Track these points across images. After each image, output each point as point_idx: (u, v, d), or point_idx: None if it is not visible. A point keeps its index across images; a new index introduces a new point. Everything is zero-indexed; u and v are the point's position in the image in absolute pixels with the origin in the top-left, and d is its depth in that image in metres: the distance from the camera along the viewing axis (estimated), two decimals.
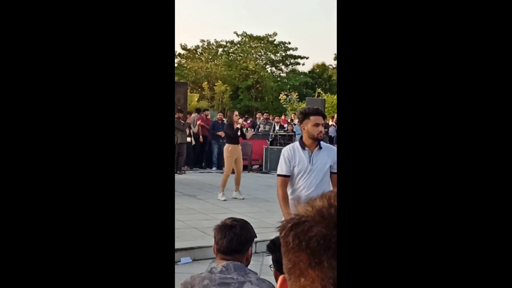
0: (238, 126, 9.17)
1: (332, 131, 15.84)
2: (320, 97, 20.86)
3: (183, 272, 4.81)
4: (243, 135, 9.63)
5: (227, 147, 9.16)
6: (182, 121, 12.58)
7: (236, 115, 9.34)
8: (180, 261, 5.58)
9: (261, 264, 5.63)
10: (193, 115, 13.77)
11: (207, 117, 14.67)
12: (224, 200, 8.76)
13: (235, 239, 2.40)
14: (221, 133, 13.06)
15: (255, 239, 6.34)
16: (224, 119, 14.18)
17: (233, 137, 9.08)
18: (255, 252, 6.09)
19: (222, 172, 13.05)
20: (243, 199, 9.10)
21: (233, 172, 9.27)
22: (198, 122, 14.15)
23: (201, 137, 13.74)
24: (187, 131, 12.74)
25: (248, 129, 10.74)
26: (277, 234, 0.79)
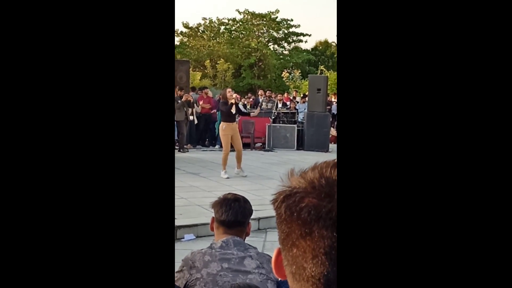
0: (232, 101, 9.02)
1: (335, 109, 15.80)
2: (323, 74, 20.76)
3: (187, 248, 4.83)
4: (241, 112, 9.52)
5: (221, 125, 9.08)
6: (178, 101, 12.55)
7: (229, 91, 9.22)
8: (183, 238, 5.61)
9: (264, 240, 5.67)
10: (191, 93, 13.64)
11: (207, 95, 14.59)
12: (227, 178, 8.75)
13: (240, 211, 2.41)
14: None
15: (259, 216, 6.40)
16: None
17: (228, 115, 8.95)
18: (258, 229, 6.13)
19: None
20: (245, 176, 9.08)
21: (233, 150, 9.22)
22: (200, 102, 14.09)
23: (194, 117, 13.67)
24: (184, 109, 12.67)
25: (253, 107, 10.53)
26: None
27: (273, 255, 0.80)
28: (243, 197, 2.52)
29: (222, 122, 9.12)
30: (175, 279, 2.33)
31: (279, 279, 0.77)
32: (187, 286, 2.28)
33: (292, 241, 0.72)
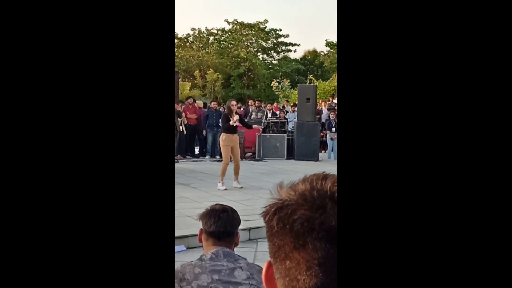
0: (236, 118, 8.94)
1: (324, 117, 15.84)
2: (312, 84, 20.85)
3: (177, 260, 4.80)
4: (244, 123, 9.47)
5: (222, 136, 9.03)
6: None
7: (233, 104, 9.14)
8: (174, 249, 5.58)
9: (255, 250, 5.65)
10: (180, 105, 13.59)
11: (192, 105, 14.54)
12: (225, 190, 8.62)
13: (229, 221, 2.40)
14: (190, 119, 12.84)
15: (250, 227, 6.37)
16: (217, 107, 14.10)
17: (229, 127, 8.94)
18: (249, 239, 6.11)
19: (215, 161, 13.11)
20: (241, 187, 9.02)
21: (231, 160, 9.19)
22: (187, 113, 14.04)
23: (183, 128, 13.63)
24: (177, 120, 12.65)
25: (244, 117, 10.42)
26: None
27: (264, 268, 0.80)
28: (231, 207, 2.52)
29: (222, 133, 9.07)
30: None
31: None
32: None
33: (285, 253, 0.72)
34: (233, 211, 2.48)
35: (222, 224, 2.37)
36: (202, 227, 2.47)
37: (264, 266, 0.80)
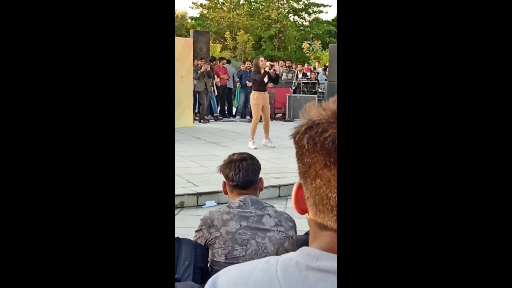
0: (267, 69, 8.90)
1: None
2: None
3: None
4: (273, 80, 9.37)
5: (253, 95, 8.96)
6: (198, 71, 12.47)
7: (261, 60, 9.09)
8: (205, 205, 5.65)
9: (285, 207, 5.68)
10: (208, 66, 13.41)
11: (224, 66, 14.46)
12: (255, 149, 8.55)
13: (250, 169, 2.38)
14: (250, 83, 12.91)
15: (280, 184, 6.40)
16: (251, 68, 13.98)
17: (260, 84, 8.85)
18: (279, 196, 6.14)
19: (246, 121, 13.12)
20: (273, 147, 8.96)
21: (260, 120, 9.14)
22: (220, 74, 14.00)
23: (214, 88, 13.57)
24: (203, 79, 12.61)
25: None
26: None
27: (293, 190, 0.79)
28: (248, 154, 2.49)
29: (253, 91, 8.98)
30: (194, 238, 2.32)
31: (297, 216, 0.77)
32: (207, 244, 2.28)
33: (316, 172, 0.72)
34: (252, 158, 2.44)
35: (243, 174, 2.36)
36: (224, 180, 2.45)
37: (294, 187, 0.79)
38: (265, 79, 8.91)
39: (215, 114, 13.86)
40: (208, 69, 12.83)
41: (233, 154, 2.49)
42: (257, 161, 2.47)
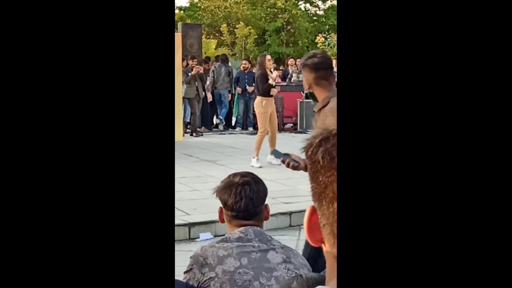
0: (274, 75, 8.99)
1: None
2: None
3: None
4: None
5: (259, 101, 8.96)
6: (188, 74, 12.52)
7: (268, 59, 9.13)
8: (198, 238, 5.64)
9: (298, 239, 5.65)
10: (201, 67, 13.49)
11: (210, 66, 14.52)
12: (260, 167, 8.58)
13: (254, 197, 2.33)
14: (250, 88, 12.97)
15: (291, 210, 6.37)
16: (249, 68, 13.93)
17: (267, 89, 8.93)
18: (290, 226, 6.12)
19: (248, 133, 13.15)
20: (280, 164, 8.96)
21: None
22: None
23: (207, 93, 13.60)
24: (195, 84, 12.63)
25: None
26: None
27: (306, 215, 0.80)
28: (253, 176, 2.43)
29: (259, 97, 9.02)
30: (184, 280, 2.31)
31: (312, 245, 0.79)
32: None
33: (333, 193, 0.73)
34: (257, 181, 2.38)
35: (246, 203, 2.31)
36: (221, 206, 2.42)
37: (306, 212, 0.79)
38: (274, 83, 9.01)
39: (221, 123, 13.91)
40: (201, 71, 12.88)
41: (234, 175, 2.43)
42: (264, 185, 2.42)
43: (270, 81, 8.92)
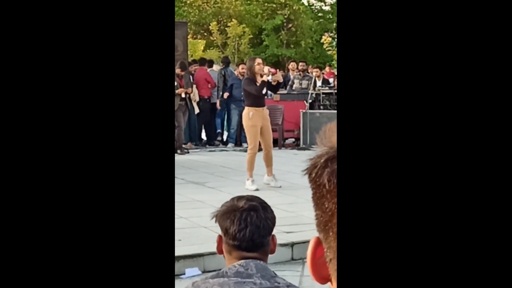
0: (265, 77, 8.87)
1: None
2: None
3: None
4: (272, 88, 9.39)
5: (247, 112, 8.93)
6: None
7: (258, 63, 8.98)
8: (184, 274, 5.62)
9: (301, 274, 5.65)
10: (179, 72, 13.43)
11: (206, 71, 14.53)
12: (256, 190, 8.51)
13: (262, 226, 2.30)
14: (226, 94, 12.97)
15: (293, 241, 6.33)
16: (245, 73, 13.86)
17: (256, 96, 8.90)
18: (293, 259, 6.12)
19: (242, 150, 13.10)
20: (280, 187, 8.92)
21: (259, 149, 9.11)
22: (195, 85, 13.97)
23: (194, 105, 13.60)
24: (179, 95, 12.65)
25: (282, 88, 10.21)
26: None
27: (310, 248, 0.79)
28: (261, 201, 2.40)
29: (246, 108, 9.01)
30: None
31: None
32: None
33: None
34: (265, 207, 2.35)
35: (252, 232, 2.28)
36: (221, 234, 2.39)
37: (310, 243, 0.79)
38: (264, 90, 8.96)
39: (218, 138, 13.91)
40: (189, 92, 12.88)
41: (239, 199, 2.38)
42: (272, 212, 2.38)
43: (264, 78, 8.84)
